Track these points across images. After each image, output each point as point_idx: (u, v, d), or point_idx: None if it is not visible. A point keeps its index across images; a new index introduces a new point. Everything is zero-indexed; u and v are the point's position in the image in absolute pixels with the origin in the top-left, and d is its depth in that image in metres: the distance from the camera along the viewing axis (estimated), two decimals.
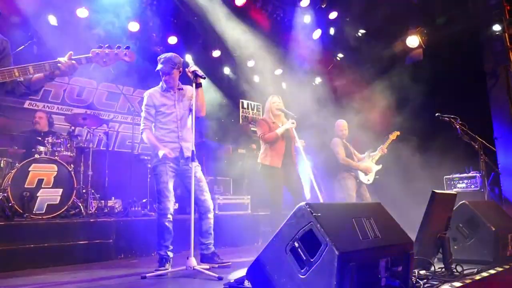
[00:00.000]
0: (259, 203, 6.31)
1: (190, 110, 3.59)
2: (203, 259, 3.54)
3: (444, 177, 6.43)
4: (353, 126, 5.82)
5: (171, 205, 3.45)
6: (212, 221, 3.61)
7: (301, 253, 1.97)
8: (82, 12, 6.10)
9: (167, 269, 3.28)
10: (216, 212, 5.44)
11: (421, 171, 6.31)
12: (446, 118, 5.18)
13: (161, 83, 3.68)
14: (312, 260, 1.92)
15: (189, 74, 3.49)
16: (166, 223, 3.41)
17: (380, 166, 5.44)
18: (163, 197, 3.42)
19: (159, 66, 3.55)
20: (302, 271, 1.95)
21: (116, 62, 2.42)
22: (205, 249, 3.56)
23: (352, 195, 5.18)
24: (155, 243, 3.65)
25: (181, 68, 3.63)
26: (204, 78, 3.45)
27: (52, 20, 6.04)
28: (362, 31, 8.15)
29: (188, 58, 7.57)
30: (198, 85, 3.47)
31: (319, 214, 1.97)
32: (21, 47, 5.00)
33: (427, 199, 2.86)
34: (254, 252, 4.41)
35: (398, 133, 5.61)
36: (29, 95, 2.45)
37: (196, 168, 3.42)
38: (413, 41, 7.51)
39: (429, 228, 2.80)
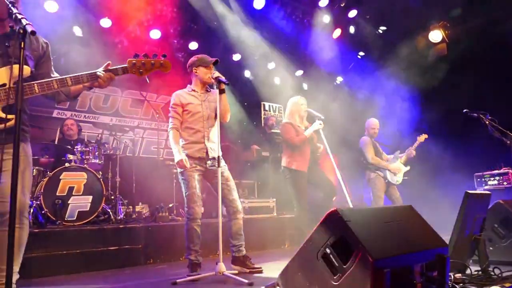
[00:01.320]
0: (284, 205, 6.29)
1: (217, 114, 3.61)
2: (234, 261, 3.54)
3: (475, 174, 6.27)
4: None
5: (200, 210, 3.48)
6: (241, 221, 3.61)
7: (333, 260, 1.94)
8: (105, 22, 6.26)
9: (198, 274, 3.30)
10: (242, 215, 5.43)
11: (450, 168, 6.17)
12: (474, 114, 5.04)
13: (188, 85, 3.74)
14: (345, 266, 1.89)
15: (212, 80, 3.52)
16: (196, 228, 3.43)
17: (408, 168, 5.35)
18: (193, 203, 3.44)
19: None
20: (335, 277, 1.92)
21: (152, 72, 2.40)
22: (237, 251, 3.54)
23: (381, 196, 5.10)
24: (182, 248, 3.69)
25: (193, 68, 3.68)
26: (228, 84, 3.46)
27: (77, 31, 6.21)
28: (383, 28, 8.03)
29: None
30: (222, 91, 3.48)
31: (350, 220, 1.94)
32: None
33: (458, 197, 2.79)
34: (281, 256, 4.44)
35: (426, 136, 5.50)
36: (68, 101, 2.52)
37: (223, 168, 3.44)
38: (436, 35, 7.34)
39: (463, 230, 2.73)
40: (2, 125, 2.02)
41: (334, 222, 1.97)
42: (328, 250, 1.97)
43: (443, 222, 3.61)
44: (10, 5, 1.85)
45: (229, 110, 3.63)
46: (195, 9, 6.79)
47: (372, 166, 5.21)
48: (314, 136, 4.49)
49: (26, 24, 1.69)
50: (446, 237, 2.56)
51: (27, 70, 2.13)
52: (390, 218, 2.17)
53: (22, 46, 1.68)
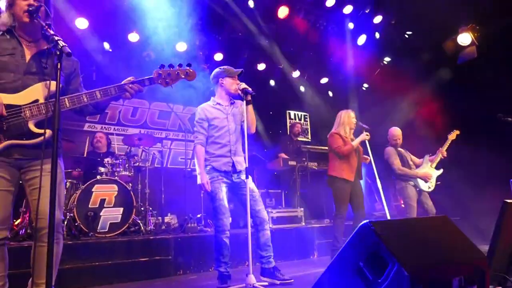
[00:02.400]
0: (313, 215, 6.23)
1: (242, 125, 3.62)
2: (264, 273, 3.48)
3: (510, 180, 6.02)
4: (406, 130, 5.60)
5: (228, 221, 3.46)
6: (269, 232, 3.56)
7: (367, 274, 1.90)
8: (133, 37, 6.44)
9: (228, 286, 3.30)
10: (270, 226, 5.42)
11: (486, 174, 5.95)
12: (509, 119, 4.86)
13: (212, 98, 3.74)
14: (379, 281, 1.84)
15: (239, 92, 3.53)
16: (225, 240, 3.42)
17: (440, 171, 5.16)
18: (221, 215, 3.43)
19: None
20: None
21: (178, 81, 2.45)
22: (266, 263, 3.49)
23: (413, 205, 4.94)
24: (212, 259, 3.70)
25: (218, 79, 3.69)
26: (254, 95, 3.47)
27: (107, 46, 6.42)
28: (409, 32, 7.90)
29: None
30: (248, 102, 3.49)
31: (384, 233, 1.90)
32: (81, 75, 5.34)
33: (494, 205, 2.69)
34: (311, 266, 4.40)
35: (458, 132, 5.30)
36: (96, 114, 2.58)
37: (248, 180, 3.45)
38: (465, 38, 7.15)
39: (502, 241, 2.61)
40: (41, 138, 2.08)
41: (367, 234, 1.93)
42: (362, 264, 1.93)
43: (479, 232, 3.49)
44: (46, 27, 1.93)
45: (255, 121, 3.63)
46: (220, 21, 6.89)
47: (400, 176, 5.09)
48: (360, 148, 4.53)
49: (63, 46, 1.77)
50: (484, 248, 2.47)
51: None
52: (425, 230, 2.10)
53: (59, 67, 1.75)
